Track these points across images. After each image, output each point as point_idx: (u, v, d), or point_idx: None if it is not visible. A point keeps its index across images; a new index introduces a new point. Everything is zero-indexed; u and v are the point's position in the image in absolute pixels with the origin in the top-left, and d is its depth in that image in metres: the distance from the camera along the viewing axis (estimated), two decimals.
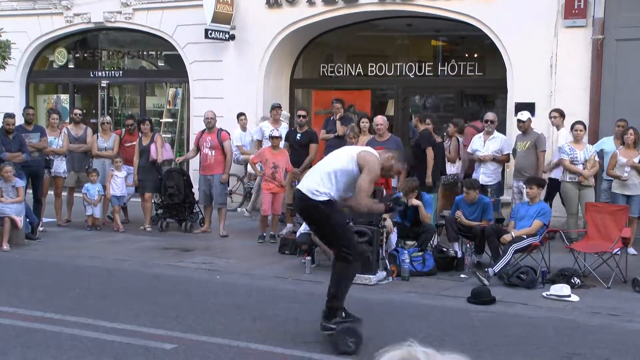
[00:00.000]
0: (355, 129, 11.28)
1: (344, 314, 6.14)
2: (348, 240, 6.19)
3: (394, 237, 9.22)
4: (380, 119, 11.14)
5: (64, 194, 12.59)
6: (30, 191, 11.49)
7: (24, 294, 7.81)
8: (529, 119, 10.85)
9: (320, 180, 6.10)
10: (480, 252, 9.34)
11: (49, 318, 6.82)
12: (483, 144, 11.12)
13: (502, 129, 11.87)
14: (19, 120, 12.03)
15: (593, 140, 11.15)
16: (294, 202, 6.75)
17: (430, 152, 10.54)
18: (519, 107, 11.70)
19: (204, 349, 5.97)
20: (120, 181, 12.06)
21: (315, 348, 6.03)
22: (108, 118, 13.54)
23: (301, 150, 11.72)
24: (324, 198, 6.03)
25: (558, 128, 11.05)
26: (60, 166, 12.29)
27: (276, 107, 12.62)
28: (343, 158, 6.19)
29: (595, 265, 8.76)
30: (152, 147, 11.98)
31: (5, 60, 11.61)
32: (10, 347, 5.88)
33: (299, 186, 6.36)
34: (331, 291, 6.12)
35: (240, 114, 13.51)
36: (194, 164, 13.46)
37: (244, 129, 13.52)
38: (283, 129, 12.32)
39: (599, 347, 6.25)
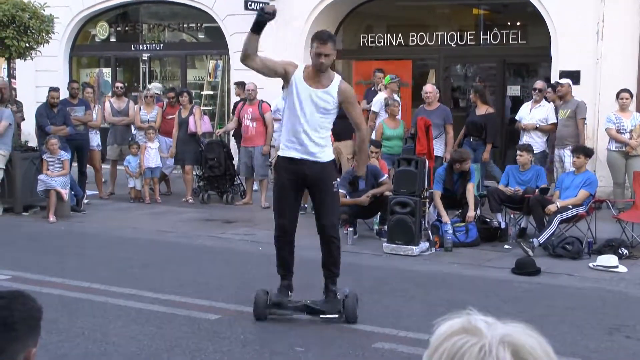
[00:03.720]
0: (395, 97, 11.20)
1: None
2: (274, 209, 6.49)
3: (432, 208, 9.13)
4: (429, 87, 11.06)
5: (106, 166, 12.73)
6: (75, 164, 11.64)
7: (70, 264, 7.96)
8: (568, 84, 10.61)
9: None
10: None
11: (95, 288, 6.94)
12: (529, 112, 10.92)
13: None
14: (64, 94, 12.15)
15: None
16: None
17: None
18: (564, 75, 11.43)
19: (248, 319, 6.02)
20: (153, 152, 12.07)
21: (360, 319, 6.03)
22: (152, 91, 13.61)
23: (340, 122, 11.57)
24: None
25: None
26: (94, 139, 12.38)
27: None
28: None
29: None
30: (191, 119, 12.02)
31: (50, 35, 11.68)
32: (58, 316, 5.99)
33: None
34: None
35: None
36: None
37: None
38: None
39: None
